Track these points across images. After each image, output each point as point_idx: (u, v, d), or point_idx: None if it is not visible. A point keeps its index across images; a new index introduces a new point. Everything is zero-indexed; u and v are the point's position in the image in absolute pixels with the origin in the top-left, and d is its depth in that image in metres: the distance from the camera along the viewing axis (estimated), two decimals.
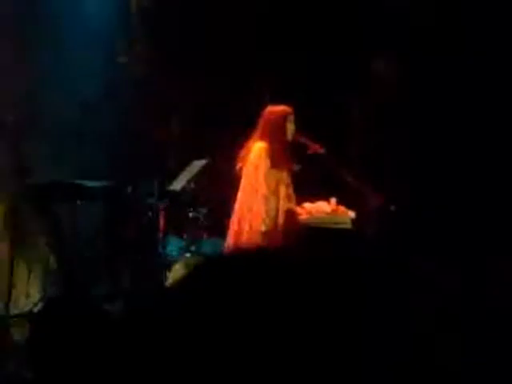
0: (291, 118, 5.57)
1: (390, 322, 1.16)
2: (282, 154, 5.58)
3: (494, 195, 6.43)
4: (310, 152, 5.69)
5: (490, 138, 6.50)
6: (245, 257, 1.28)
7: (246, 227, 5.47)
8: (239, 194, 5.53)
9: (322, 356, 1.09)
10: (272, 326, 1.10)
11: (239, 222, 5.50)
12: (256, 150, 5.50)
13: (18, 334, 5.22)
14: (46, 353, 2.76)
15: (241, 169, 5.54)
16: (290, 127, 5.56)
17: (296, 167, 5.68)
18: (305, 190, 5.87)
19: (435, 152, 6.67)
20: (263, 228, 5.45)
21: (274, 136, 5.54)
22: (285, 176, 5.65)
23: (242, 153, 5.56)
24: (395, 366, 1.12)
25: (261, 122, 5.62)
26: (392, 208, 5.73)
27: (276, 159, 5.52)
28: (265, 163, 5.46)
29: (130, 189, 6.41)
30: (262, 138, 5.56)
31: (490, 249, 5.88)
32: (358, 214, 5.76)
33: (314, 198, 5.85)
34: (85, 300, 4.13)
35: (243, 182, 5.52)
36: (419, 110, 6.76)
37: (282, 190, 5.61)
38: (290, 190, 5.71)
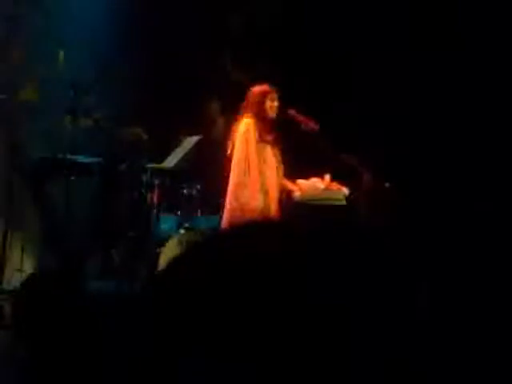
0: (272, 96, 5.70)
1: (384, 307, 1.14)
2: (268, 129, 5.65)
3: (490, 187, 6.43)
4: (304, 129, 5.71)
5: (488, 133, 6.50)
6: (238, 236, 1.27)
7: (240, 204, 5.50)
8: (232, 172, 5.57)
9: (313, 338, 1.08)
10: (264, 307, 1.09)
11: (233, 200, 5.53)
12: (243, 126, 5.60)
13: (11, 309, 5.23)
14: (28, 325, 2.79)
15: (232, 149, 5.60)
16: (271, 105, 5.68)
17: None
18: (299, 166, 5.87)
19: (431, 137, 6.67)
20: (259, 206, 5.50)
21: (256, 113, 5.65)
22: (276, 152, 5.71)
23: (232, 133, 5.65)
24: (384, 353, 1.11)
25: (244, 103, 5.74)
26: (386, 185, 5.73)
27: (263, 133, 5.61)
28: (254, 136, 5.57)
29: (123, 165, 6.40)
30: (247, 116, 5.63)
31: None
32: (351, 191, 5.76)
33: (307, 175, 5.86)
34: (73, 276, 4.14)
35: (235, 158, 5.56)
36: (415, 91, 6.76)
37: (273, 163, 5.66)
38: (281, 167, 5.75)
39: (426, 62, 6.71)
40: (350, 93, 7.00)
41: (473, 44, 6.50)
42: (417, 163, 6.60)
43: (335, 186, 5.81)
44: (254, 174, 5.55)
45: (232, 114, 5.94)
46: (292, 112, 5.73)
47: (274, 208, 5.60)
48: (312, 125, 5.70)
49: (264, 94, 5.68)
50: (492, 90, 6.46)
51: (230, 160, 5.60)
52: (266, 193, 5.58)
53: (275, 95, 5.69)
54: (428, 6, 6.77)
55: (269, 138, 5.68)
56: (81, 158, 6.26)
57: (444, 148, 6.55)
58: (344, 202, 5.74)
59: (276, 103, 5.69)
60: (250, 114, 5.66)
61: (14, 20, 6.47)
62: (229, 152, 5.61)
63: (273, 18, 7.38)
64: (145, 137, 6.60)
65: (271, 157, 5.68)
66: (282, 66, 6.94)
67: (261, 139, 5.63)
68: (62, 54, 6.70)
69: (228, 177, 5.59)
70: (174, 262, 1.27)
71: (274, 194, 5.63)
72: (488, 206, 6.23)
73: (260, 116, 5.64)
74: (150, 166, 6.37)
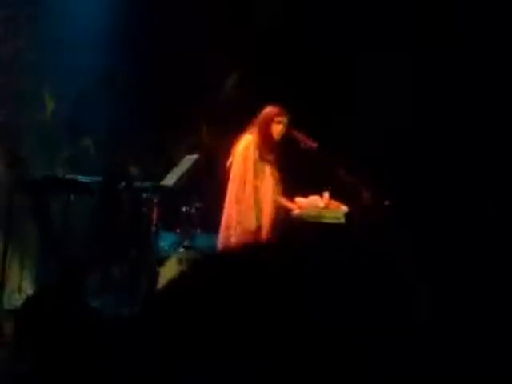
0: (280, 119, 5.67)
1: (385, 321, 1.15)
2: (270, 150, 5.65)
3: (491, 191, 6.42)
4: (303, 146, 5.72)
5: (487, 135, 6.50)
6: (236, 253, 1.28)
7: (235, 222, 5.51)
8: (228, 187, 5.58)
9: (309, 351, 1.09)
10: (260, 324, 1.10)
11: (228, 217, 5.55)
12: (243, 142, 5.61)
13: (11, 329, 5.21)
14: (31, 343, 2.80)
15: (231, 164, 5.61)
16: (277, 128, 5.65)
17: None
18: (298, 184, 5.88)
19: (430, 148, 6.66)
20: (253, 224, 5.50)
21: (260, 133, 5.66)
22: (274, 171, 5.71)
23: (234, 147, 5.66)
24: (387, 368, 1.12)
25: (254, 119, 5.74)
26: (386, 203, 5.74)
27: (263, 152, 5.60)
28: (253, 153, 5.57)
29: (122, 184, 6.41)
30: (250, 133, 5.65)
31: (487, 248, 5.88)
32: (351, 209, 5.76)
33: (306, 193, 5.86)
34: (74, 293, 4.15)
35: (232, 174, 5.58)
36: (416, 105, 6.75)
37: (270, 182, 5.66)
38: (278, 187, 5.75)
39: (427, 65, 6.70)
40: (349, 107, 7.01)
41: (473, 44, 6.50)
42: (416, 180, 6.60)
43: (334, 203, 5.81)
44: (249, 190, 5.55)
45: (224, 131, 5.97)
46: (294, 132, 5.73)
47: (267, 226, 5.60)
48: (311, 143, 5.71)
49: (271, 117, 5.67)
50: (492, 96, 6.46)
51: (228, 172, 5.61)
52: (260, 210, 5.59)
53: (283, 119, 5.67)
54: (428, 6, 6.78)
55: (269, 157, 5.68)
56: (81, 178, 6.27)
57: (445, 163, 6.54)
58: (343, 220, 5.74)
59: (282, 127, 5.67)
60: (254, 131, 5.67)
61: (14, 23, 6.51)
62: (228, 164, 5.61)
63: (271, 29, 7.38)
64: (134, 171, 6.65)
65: (269, 175, 5.68)
66: (280, 79, 6.95)
67: (260, 158, 5.63)
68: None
69: (225, 190, 5.61)
70: (176, 277, 1.29)
71: (268, 212, 5.62)
72: (489, 222, 6.23)
73: (262, 136, 5.64)
74: (149, 184, 6.37)
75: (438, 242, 6.14)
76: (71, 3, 6.98)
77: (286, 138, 5.72)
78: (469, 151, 6.46)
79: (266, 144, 5.64)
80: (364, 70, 6.95)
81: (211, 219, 6.29)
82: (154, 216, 6.31)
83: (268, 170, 5.68)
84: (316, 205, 5.80)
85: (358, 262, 1.26)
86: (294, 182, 5.84)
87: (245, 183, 5.56)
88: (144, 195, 6.36)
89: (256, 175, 5.59)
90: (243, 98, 6.86)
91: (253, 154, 5.58)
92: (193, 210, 6.47)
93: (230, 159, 5.62)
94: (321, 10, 7.13)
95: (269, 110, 5.71)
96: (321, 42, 7.06)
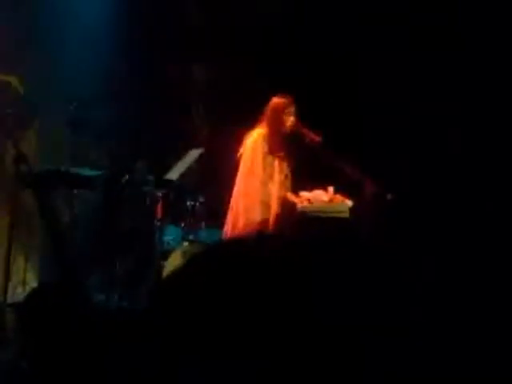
0: (289, 110, 5.66)
1: (385, 319, 1.14)
2: (280, 142, 5.64)
3: (493, 191, 6.41)
4: (307, 141, 5.72)
5: (489, 133, 6.49)
6: (239, 246, 1.27)
7: (241, 215, 5.52)
8: (237, 180, 5.60)
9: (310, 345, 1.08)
10: (262, 315, 1.09)
11: (236, 211, 5.56)
12: (254, 135, 5.61)
13: (14, 323, 5.22)
14: (32, 338, 2.80)
15: (240, 156, 5.62)
16: (288, 119, 5.63)
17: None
18: (302, 178, 5.88)
19: (430, 146, 6.66)
20: (258, 218, 5.51)
21: (272, 125, 5.63)
22: (284, 166, 5.72)
23: (244, 139, 5.67)
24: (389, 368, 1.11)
25: (264, 112, 5.72)
26: (389, 197, 5.73)
27: (273, 146, 5.61)
28: (262, 147, 5.58)
29: (126, 177, 6.42)
30: (261, 126, 5.62)
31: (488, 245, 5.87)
32: (355, 203, 5.76)
33: (311, 187, 5.86)
34: (77, 288, 4.16)
35: (241, 167, 5.59)
36: (417, 103, 6.75)
37: (278, 177, 5.66)
38: (287, 181, 5.75)
39: (427, 64, 6.69)
40: (350, 106, 7.00)
41: (473, 44, 6.48)
42: (418, 174, 6.59)
43: (339, 198, 5.81)
44: (257, 184, 5.56)
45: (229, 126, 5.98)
46: (299, 125, 5.73)
47: (272, 220, 5.61)
48: (315, 137, 5.71)
49: (281, 108, 5.67)
50: (493, 96, 6.44)
51: (238, 163, 5.61)
52: (266, 206, 5.59)
53: (292, 109, 5.67)
54: (428, 6, 6.76)
55: (279, 153, 5.69)
56: (84, 171, 6.27)
57: (445, 161, 6.54)
58: (347, 215, 5.74)
59: (292, 118, 5.67)
60: (265, 125, 5.67)
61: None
62: (238, 155, 5.62)
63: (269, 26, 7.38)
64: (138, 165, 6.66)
65: (277, 170, 5.68)
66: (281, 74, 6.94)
67: (270, 151, 5.63)
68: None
69: (232, 184, 5.63)
70: (178, 270, 1.28)
71: (274, 207, 5.64)
72: (491, 216, 6.22)
73: (273, 129, 5.64)
74: (153, 178, 6.38)
75: (438, 240, 6.13)
76: (72, 3, 6.99)
77: (295, 131, 5.71)
78: (469, 150, 6.46)
79: (277, 136, 5.64)
80: (364, 69, 6.93)
81: (216, 213, 6.30)
82: (159, 210, 6.32)
83: (277, 164, 5.68)
84: (320, 199, 5.80)
85: (360, 260, 1.25)
86: (298, 176, 5.84)
87: (253, 176, 5.57)
88: (148, 189, 6.36)
89: (264, 169, 5.60)
90: (243, 96, 6.86)
91: (261, 146, 5.60)
92: (197, 205, 6.47)
93: (241, 150, 5.63)
94: (321, 9, 7.12)
95: (276, 101, 5.71)
96: (321, 42, 7.05)
